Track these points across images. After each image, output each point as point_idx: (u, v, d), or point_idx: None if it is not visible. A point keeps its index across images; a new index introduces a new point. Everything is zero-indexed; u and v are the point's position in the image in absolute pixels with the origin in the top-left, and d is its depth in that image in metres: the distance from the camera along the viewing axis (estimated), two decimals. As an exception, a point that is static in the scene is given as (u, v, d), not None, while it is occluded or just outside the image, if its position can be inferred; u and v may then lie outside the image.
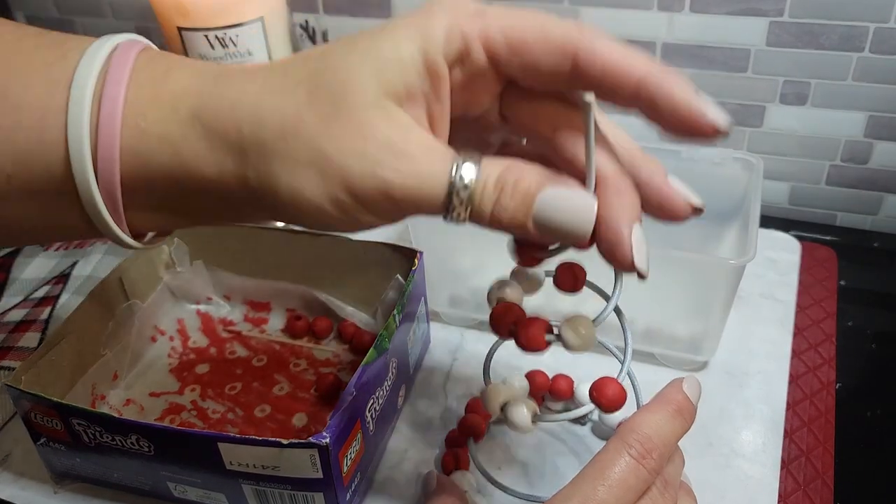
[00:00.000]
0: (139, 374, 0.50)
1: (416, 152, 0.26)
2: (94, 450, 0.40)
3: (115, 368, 0.48)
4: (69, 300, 0.56)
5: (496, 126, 0.31)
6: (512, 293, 0.34)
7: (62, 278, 0.58)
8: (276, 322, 0.54)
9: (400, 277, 0.48)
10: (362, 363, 0.39)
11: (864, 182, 0.63)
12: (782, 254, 0.59)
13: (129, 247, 0.31)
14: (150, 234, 0.32)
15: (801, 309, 0.54)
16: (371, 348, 0.40)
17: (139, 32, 0.79)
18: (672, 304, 0.49)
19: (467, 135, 0.31)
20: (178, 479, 0.40)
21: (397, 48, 0.26)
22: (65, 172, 0.28)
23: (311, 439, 0.35)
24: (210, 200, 0.29)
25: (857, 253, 0.60)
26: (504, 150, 0.33)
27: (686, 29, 0.61)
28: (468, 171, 0.26)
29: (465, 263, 0.52)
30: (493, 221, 0.27)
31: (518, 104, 0.29)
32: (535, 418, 0.35)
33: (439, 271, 0.51)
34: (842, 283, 0.57)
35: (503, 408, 0.36)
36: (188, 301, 0.55)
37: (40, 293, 0.57)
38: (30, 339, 0.53)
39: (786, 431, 0.45)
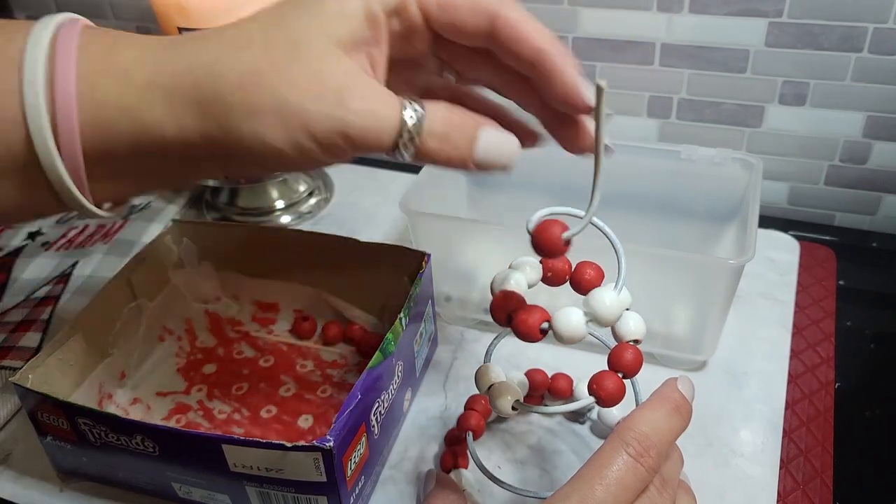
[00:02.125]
0: (146, 373, 0.50)
1: (368, 94, 0.29)
2: (99, 449, 0.40)
3: (122, 367, 0.48)
4: (70, 300, 0.56)
5: (425, 67, 0.36)
6: (516, 281, 0.35)
7: (63, 278, 0.58)
8: (283, 323, 0.54)
9: (407, 280, 0.48)
10: (367, 366, 0.39)
11: (862, 182, 0.64)
12: (781, 254, 0.59)
13: (95, 216, 0.33)
14: (108, 204, 0.33)
15: (799, 309, 0.54)
16: (377, 351, 0.40)
17: (139, 33, 0.80)
18: (671, 304, 0.49)
19: (396, 76, 0.34)
20: (182, 480, 0.40)
21: (341, 3, 0.30)
22: (27, 151, 0.29)
23: (314, 442, 0.35)
24: (171, 161, 0.31)
25: (855, 253, 0.60)
26: (427, 94, 0.36)
27: (685, 29, 0.61)
28: (414, 113, 0.30)
29: (465, 263, 0.53)
30: (438, 158, 0.31)
31: (453, 50, 0.34)
32: (517, 405, 0.36)
33: (439, 271, 0.51)
34: (840, 282, 0.57)
35: (490, 388, 0.36)
36: (196, 301, 0.54)
37: (41, 293, 0.57)
38: (30, 339, 0.53)
39: (785, 431, 0.45)
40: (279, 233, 0.52)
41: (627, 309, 0.35)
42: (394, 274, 0.49)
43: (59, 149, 0.29)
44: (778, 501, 0.42)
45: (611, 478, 0.29)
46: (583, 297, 0.34)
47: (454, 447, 0.44)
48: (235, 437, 0.36)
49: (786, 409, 0.47)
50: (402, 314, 0.43)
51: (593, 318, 0.33)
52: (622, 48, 0.64)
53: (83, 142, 0.29)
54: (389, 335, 0.41)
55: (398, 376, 0.44)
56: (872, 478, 0.44)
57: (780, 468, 0.43)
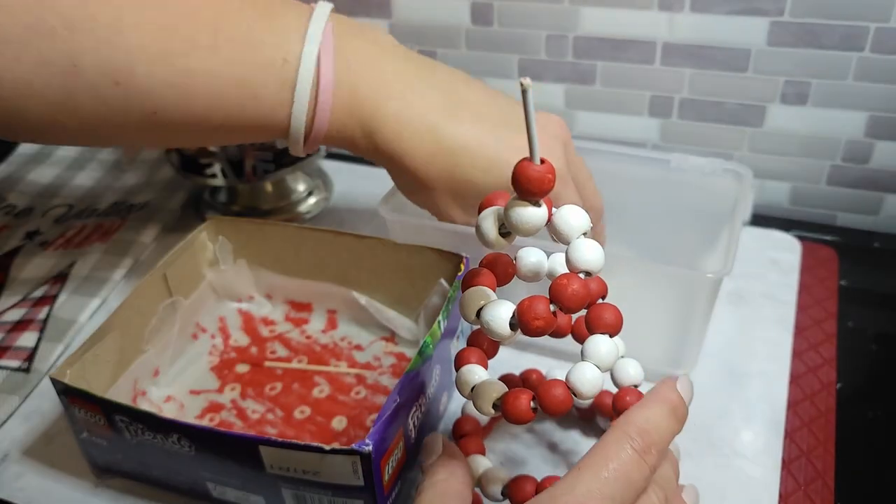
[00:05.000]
0: (180, 371, 0.50)
1: None
2: (135, 446, 0.40)
3: (156, 365, 0.48)
4: (68, 300, 0.56)
5: None
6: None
7: (61, 278, 0.58)
8: (317, 323, 0.54)
9: (444, 282, 0.47)
10: (406, 370, 0.39)
11: (864, 182, 0.63)
12: (783, 254, 0.59)
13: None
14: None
15: (801, 309, 0.54)
16: (416, 354, 0.40)
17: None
18: (650, 316, 0.48)
19: None
20: (217, 480, 0.40)
21: None
22: (282, 131, 0.43)
23: (353, 446, 0.35)
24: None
25: (858, 253, 0.60)
26: None
27: (686, 29, 0.61)
28: None
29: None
30: None
31: None
32: (499, 403, 0.33)
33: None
34: (842, 283, 0.57)
35: (472, 390, 0.34)
36: (230, 299, 0.54)
37: (38, 293, 0.57)
38: (27, 338, 0.53)
39: (786, 431, 0.45)
40: (314, 233, 0.51)
41: (622, 356, 0.35)
42: (430, 276, 0.48)
43: (304, 140, 0.43)
44: (779, 502, 0.41)
45: (617, 470, 0.29)
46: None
47: (463, 437, 0.43)
48: (273, 438, 0.36)
49: (787, 409, 0.47)
50: (440, 317, 0.42)
51: (575, 394, 0.31)
52: (623, 47, 0.63)
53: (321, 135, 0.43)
54: (428, 338, 0.41)
55: (436, 379, 0.43)
56: (874, 479, 0.43)
57: (782, 469, 0.43)
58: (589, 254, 0.30)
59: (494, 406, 0.32)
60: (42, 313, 0.55)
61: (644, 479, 0.29)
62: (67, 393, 0.40)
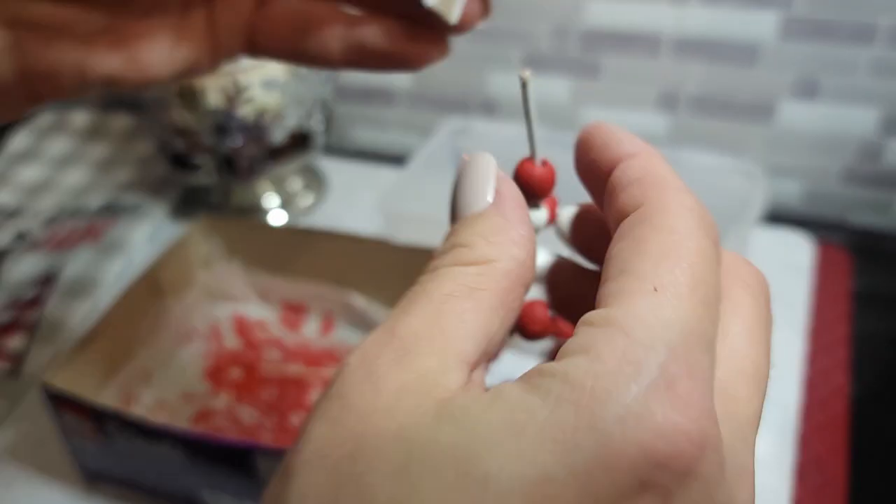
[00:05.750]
0: (172, 375, 0.49)
1: None
2: (126, 452, 0.39)
3: (148, 369, 0.47)
4: (59, 302, 0.55)
5: None
6: None
7: (51, 279, 0.57)
8: (313, 325, 0.53)
9: None
10: None
11: (878, 181, 0.62)
12: (794, 255, 0.58)
13: None
14: None
15: (813, 311, 0.53)
16: None
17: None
18: None
19: None
20: (210, 486, 0.39)
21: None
22: None
23: None
24: None
25: (870, 254, 0.59)
26: None
27: (695, 22, 0.60)
28: None
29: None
30: None
31: None
32: None
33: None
34: (855, 284, 0.56)
35: None
36: (224, 301, 0.53)
37: (29, 294, 0.56)
38: (17, 341, 0.52)
39: (798, 437, 0.44)
40: (309, 234, 0.51)
41: None
42: None
43: None
44: (792, 513, 0.40)
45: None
46: None
47: None
48: (266, 445, 0.35)
49: (799, 414, 0.46)
50: None
51: None
52: (629, 41, 0.62)
53: None
54: None
55: None
56: (888, 485, 0.42)
57: (794, 475, 0.42)
58: None
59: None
60: (32, 316, 0.54)
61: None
62: (57, 397, 0.39)
